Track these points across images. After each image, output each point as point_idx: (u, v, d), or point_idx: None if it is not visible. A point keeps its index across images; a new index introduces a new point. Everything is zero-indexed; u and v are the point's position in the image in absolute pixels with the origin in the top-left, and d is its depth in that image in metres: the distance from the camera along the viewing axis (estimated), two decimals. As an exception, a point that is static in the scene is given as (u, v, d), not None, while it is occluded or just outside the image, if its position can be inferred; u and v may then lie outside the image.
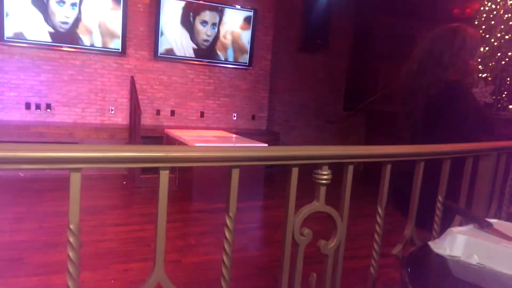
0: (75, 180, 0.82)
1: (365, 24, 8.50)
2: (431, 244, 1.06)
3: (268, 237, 3.93)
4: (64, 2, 5.74)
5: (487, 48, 5.52)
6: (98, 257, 2.98)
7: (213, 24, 6.66)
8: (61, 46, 5.84)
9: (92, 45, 6.00)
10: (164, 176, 0.88)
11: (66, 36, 5.84)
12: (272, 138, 6.78)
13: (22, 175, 5.27)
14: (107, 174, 5.58)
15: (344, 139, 8.37)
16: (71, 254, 0.86)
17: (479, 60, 1.77)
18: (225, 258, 1.00)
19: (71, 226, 0.85)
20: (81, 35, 5.92)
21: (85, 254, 2.96)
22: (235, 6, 6.77)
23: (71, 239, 0.85)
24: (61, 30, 5.79)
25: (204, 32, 6.63)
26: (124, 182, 5.34)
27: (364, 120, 8.61)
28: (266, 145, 5.02)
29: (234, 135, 5.88)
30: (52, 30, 5.74)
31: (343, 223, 1.16)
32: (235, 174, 0.99)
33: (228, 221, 0.99)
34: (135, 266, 2.86)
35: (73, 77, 6.00)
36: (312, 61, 7.99)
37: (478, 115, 1.61)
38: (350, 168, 1.17)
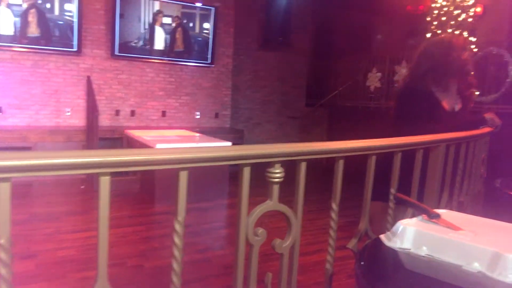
0: (4, 190, 0.75)
1: (324, 21, 8.64)
2: (382, 237, 1.08)
3: (234, 236, 3.91)
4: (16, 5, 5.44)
5: (439, 43, 5.73)
6: (55, 266, 2.87)
7: (174, 22, 6.53)
8: (12, 46, 5.54)
9: (45, 45, 5.73)
10: (105, 182, 0.83)
11: (17, 36, 5.54)
12: (236, 136, 6.75)
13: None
14: (64, 178, 5.36)
15: (308, 134, 8.47)
16: (2, 271, 0.80)
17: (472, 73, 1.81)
18: (174, 264, 0.96)
19: (2, 241, 0.78)
20: (33, 35, 5.63)
21: (42, 264, 2.84)
22: (195, 4, 6.67)
23: (1, 255, 0.79)
24: (12, 30, 5.49)
25: (165, 30, 6.49)
26: (82, 187, 5.15)
27: (327, 115, 8.75)
28: (230, 143, 4.99)
29: (197, 134, 5.81)
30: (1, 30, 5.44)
31: (297, 221, 1.15)
32: (183, 177, 0.95)
33: (177, 226, 0.96)
34: (94, 274, 2.76)
35: (25, 78, 5.71)
36: (274, 58, 8.02)
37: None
38: (303, 165, 1.16)
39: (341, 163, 1.25)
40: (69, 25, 5.80)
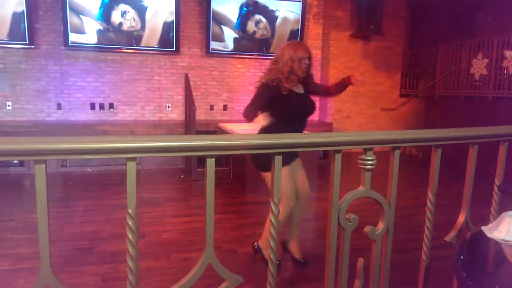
0: (131, 168, 0.90)
1: (420, 4, 8.08)
2: (485, 229, 1.02)
3: (321, 228, 3.92)
4: (126, 12, 6.06)
5: None
6: (160, 246, 3.16)
7: (264, 18, 6.69)
8: (120, 48, 6.17)
9: (148, 46, 6.28)
10: (211, 164, 0.93)
11: (125, 39, 6.16)
12: (324, 129, 6.70)
13: (90, 170, 5.68)
14: (166, 168, 5.86)
15: (402, 127, 8.06)
16: (130, 236, 0.94)
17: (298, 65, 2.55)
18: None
19: (130, 211, 0.93)
20: (138, 37, 6.21)
21: (149, 244, 3.16)
22: (283, -2, 6.75)
23: (129, 222, 0.93)
24: (120, 33, 6.12)
25: (254, 27, 6.67)
26: (182, 176, 5.57)
27: (424, 106, 8.23)
28: (319, 135, 4.98)
29: (286, 127, 5.88)
30: (111, 33, 6.09)
31: (391, 209, 1.15)
32: (278, 161, 1.01)
33: (273, 206, 1.02)
34: (195, 255, 2.98)
35: (131, 77, 6.33)
36: (366, 47, 7.77)
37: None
38: (397, 153, 1.15)
39: (438, 152, 1.21)
40: (168, 26, 6.28)
